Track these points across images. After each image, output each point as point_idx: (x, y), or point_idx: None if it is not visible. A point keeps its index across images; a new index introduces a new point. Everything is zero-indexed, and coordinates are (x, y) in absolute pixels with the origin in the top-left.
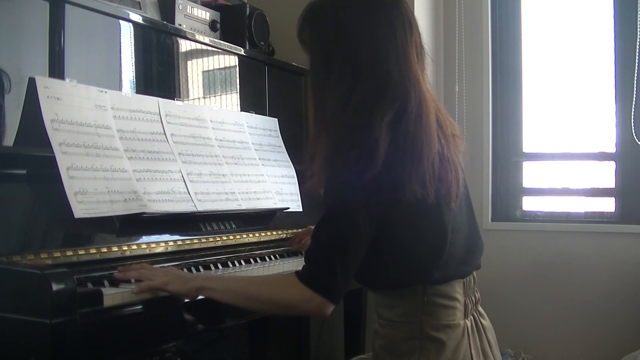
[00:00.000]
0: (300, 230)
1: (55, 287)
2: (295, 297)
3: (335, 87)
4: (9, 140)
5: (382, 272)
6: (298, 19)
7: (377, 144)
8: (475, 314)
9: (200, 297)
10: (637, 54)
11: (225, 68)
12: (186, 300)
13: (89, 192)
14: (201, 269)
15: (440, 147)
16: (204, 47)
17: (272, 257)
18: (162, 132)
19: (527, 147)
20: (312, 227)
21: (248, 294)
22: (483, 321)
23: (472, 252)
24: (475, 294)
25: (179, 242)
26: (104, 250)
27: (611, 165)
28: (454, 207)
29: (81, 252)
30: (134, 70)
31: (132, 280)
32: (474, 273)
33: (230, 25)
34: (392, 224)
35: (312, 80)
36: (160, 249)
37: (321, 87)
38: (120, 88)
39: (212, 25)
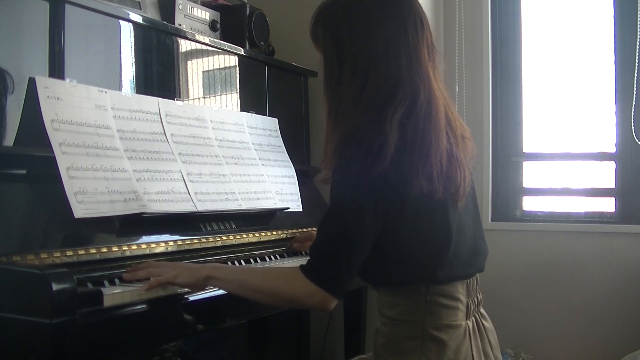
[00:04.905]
0: (301, 232)
1: (55, 287)
2: (299, 291)
3: (348, 83)
4: (9, 140)
5: (385, 270)
6: (311, 18)
7: (386, 140)
8: (477, 315)
9: (208, 287)
10: (637, 54)
11: (225, 68)
12: (186, 301)
13: (89, 192)
14: None
15: (449, 145)
16: (204, 47)
17: (272, 257)
18: (162, 132)
19: (527, 147)
20: (313, 231)
21: (253, 286)
22: (485, 323)
23: (477, 255)
24: (478, 295)
25: (179, 242)
26: (104, 250)
27: (611, 165)
28: (460, 206)
29: (81, 252)
30: (134, 70)
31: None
32: (477, 275)
33: (230, 25)
34: (397, 223)
35: (326, 78)
36: (160, 249)
37: (334, 84)
38: (120, 88)
39: (212, 25)
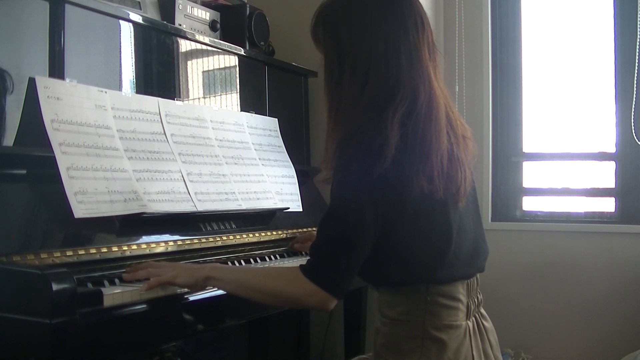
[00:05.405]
0: (301, 233)
1: (55, 287)
2: (299, 291)
3: (348, 83)
4: (9, 140)
5: (386, 270)
6: (311, 18)
7: (387, 140)
8: (477, 315)
9: (208, 288)
10: (637, 54)
11: (225, 68)
12: (186, 301)
13: (89, 192)
14: None
15: (450, 145)
16: (204, 47)
17: (272, 257)
18: (162, 132)
19: (527, 147)
20: (314, 231)
21: (253, 286)
22: (485, 323)
23: (477, 255)
24: (478, 295)
25: (179, 242)
26: (104, 250)
27: (611, 165)
28: (461, 206)
29: (81, 252)
30: (134, 70)
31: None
32: (477, 275)
33: (230, 25)
34: (397, 223)
35: (326, 78)
36: (160, 249)
37: (335, 84)
38: (120, 88)
39: (212, 25)
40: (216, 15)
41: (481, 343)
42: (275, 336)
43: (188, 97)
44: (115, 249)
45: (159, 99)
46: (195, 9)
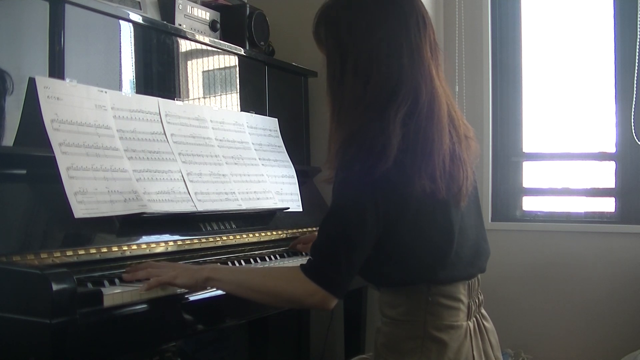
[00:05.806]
0: (302, 233)
1: (55, 287)
2: (299, 291)
3: (350, 83)
4: (9, 140)
5: (387, 270)
6: (313, 18)
7: (389, 140)
8: (478, 315)
9: (208, 288)
10: (637, 54)
11: (225, 68)
12: (186, 301)
13: (89, 192)
14: None
15: (452, 144)
16: (204, 47)
17: (272, 257)
18: (162, 132)
19: (527, 147)
20: (316, 232)
21: (253, 286)
22: (486, 323)
23: (479, 255)
24: (479, 296)
25: (179, 242)
26: (104, 250)
27: (611, 165)
28: (463, 206)
29: (81, 252)
30: (134, 70)
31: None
32: (479, 275)
33: (230, 25)
34: (398, 223)
35: (329, 78)
36: (160, 249)
37: (337, 84)
38: (120, 88)
39: (212, 25)
40: (216, 15)
41: (482, 343)
42: (275, 336)
43: (188, 97)
44: (115, 249)
45: (159, 99)
46: (195, 9)
